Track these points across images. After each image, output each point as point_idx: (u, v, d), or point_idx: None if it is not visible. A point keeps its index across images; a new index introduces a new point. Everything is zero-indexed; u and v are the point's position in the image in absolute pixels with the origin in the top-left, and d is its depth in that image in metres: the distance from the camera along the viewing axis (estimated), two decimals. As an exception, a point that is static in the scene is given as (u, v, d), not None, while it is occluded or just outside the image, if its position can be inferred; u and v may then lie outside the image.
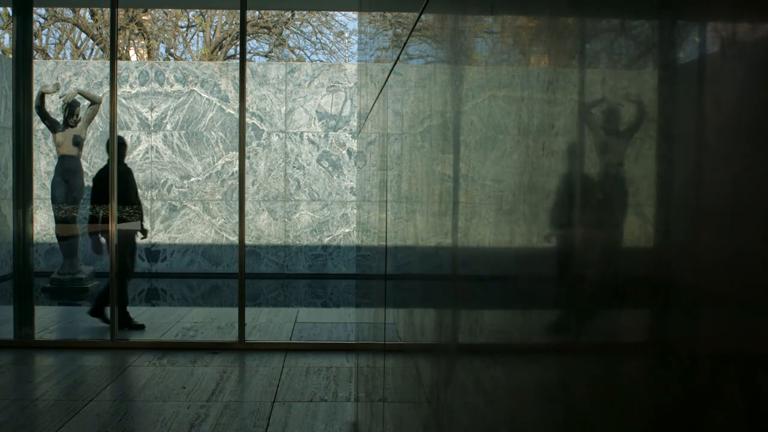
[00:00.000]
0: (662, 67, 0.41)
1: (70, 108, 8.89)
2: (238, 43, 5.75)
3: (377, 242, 2.57)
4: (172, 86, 10.46)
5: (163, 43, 17.48)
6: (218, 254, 10.43)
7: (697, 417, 0.36)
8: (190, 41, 19.50)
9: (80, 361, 5.07)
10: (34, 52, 12.97)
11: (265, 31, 17.31)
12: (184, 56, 17.79)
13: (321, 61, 17.52)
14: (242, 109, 5.50)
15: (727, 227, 0.34)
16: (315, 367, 4.93)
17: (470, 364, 0.90)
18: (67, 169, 8.87)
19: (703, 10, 0.37)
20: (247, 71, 7.01)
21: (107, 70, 9.36)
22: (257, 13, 16.42)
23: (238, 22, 6.07)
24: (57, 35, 17.52)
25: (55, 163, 9.09)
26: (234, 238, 10.27)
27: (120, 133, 10.19)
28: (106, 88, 10.01)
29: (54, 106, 9.65)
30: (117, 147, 5.75)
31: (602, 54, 0.50)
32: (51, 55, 16.96)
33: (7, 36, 16.48)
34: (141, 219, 6.59)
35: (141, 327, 6.05)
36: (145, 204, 10.43)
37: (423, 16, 1.34)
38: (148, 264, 10.45)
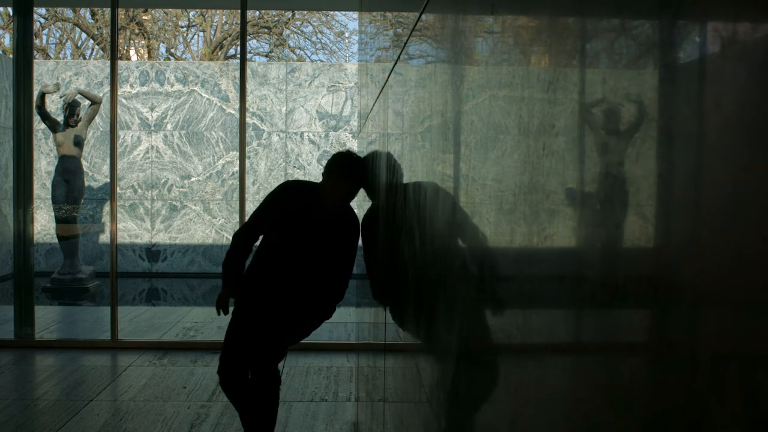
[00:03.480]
0: (662, 67, 0.41)
1: (71, 108, 8.89)
2: (239, 43, 5.75)
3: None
4: (172, 86, 10.46)
5: (163, 42, 17.49)
6: (219, 254, 10.42)
7: (697, 417, 0.36)
8: (190, 41, 19.51)
9: (80, 361, 5.06)
10: (35, 52, 12.97)
11: (266, 31, 17.31)
12: (184, 56, 17.79)
13: (321, 60, 17.52)
14: (243, 109, 5.50)
15: (727, 227, 0.34)
16: (315, 367, 4.93)
17: (470, 364, 0.90)
18: (67, 169, 8.87)
19: (703, 10, 0.37)
20: (248, 71, 7.01)
21: (107, 70, 9.36)
22: (257, 13, 16.42)
23: (239, 22, 6.07)
24: (57, 35, 17.53)
25: (56, 163, 9.09)
26: (234, 238, 10.26)
27: (120, 132, 10.21)
28: (107, 88, 10.01)
29: (54, 106, 9.65)
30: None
31: (602, 54, 0.50)
32: (51, 55, 16.96)
33: (7, 36, 16.49)
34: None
35: None
36: (146, 204, 10.44)
37: (423, 16, 1.34)
38: (149, 264, 10.45)
